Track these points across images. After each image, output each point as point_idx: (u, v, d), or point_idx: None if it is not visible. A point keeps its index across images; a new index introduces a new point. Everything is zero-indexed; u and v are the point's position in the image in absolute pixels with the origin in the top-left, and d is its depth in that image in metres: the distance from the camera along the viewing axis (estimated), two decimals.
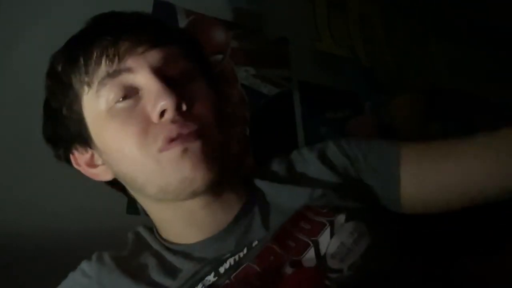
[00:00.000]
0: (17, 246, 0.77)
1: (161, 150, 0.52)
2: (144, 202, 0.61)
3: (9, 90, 0.87)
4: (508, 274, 0.66)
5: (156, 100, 0.51)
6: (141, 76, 0.53)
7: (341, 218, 0.54)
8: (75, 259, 0.62)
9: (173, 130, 0.51)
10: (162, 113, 0.52)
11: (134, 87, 0.53)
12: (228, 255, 0.54)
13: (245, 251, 0.54)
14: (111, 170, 0.58)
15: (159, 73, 0.53)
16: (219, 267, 0.53)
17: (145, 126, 0.52)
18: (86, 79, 0.54)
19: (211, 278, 0.52)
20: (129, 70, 0.53)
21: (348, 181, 0.62)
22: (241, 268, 0.51)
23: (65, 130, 0.59)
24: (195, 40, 0.64)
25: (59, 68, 0.57)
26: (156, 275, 0.55)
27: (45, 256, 0.76)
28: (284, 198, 0.59)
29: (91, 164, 0.60)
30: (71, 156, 0.61)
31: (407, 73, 1.49)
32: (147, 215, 0.64)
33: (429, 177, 0.60)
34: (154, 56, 0.54)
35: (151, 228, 0.63)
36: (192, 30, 1.14)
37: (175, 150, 0.51)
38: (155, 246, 0.59)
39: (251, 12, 1.24)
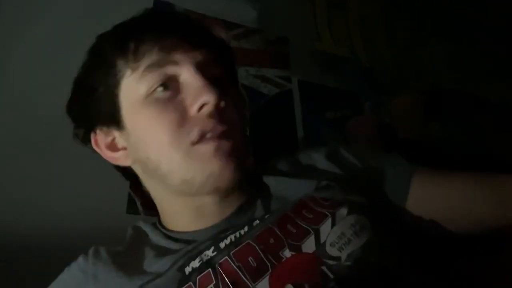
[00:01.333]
0: (17, 245, 0.77)
1: (194, 143, 0.54)
2: (157, 191, 0.62)
3: (9, 90, 0.87)
4: (508, 274, 0.65)
5: (199, 93, 0.54)
6: (187, 70, 0.56)
7: (343, 210, 0.54)
8: (75, 259, 0.62)
9: (209, 124, 0.54)
10: (200, 108, 0.54)
11: (177, 79, 0.56)
12: (229, 231, 0.55)
13: (246, 228, 0.55)
14: (132, 156, 0.60)
15: (202, 71, 0.56)
16: (219, 242, 0.54)
17: (182, 117, 0.54)
18: (133, 63, 0.56)
19: (209, 253, 0.53)
20: (175, 62, 0.56)
21: (354, 177, 0.63)
22: (241, 245, 0.52)
23: (96, 108, 0.60)
24: (230, 48, 0.68)
25: (106, 48, 0.59)
26: (153, 266, 0.55)
27: (45, 256, 0.76)
28: (289, 190, 0.60)
29: (112, 147, 0.61)
30: (92, 136, 0.62)
31: (407, 73, 1.49)
32: (147, 214, 0.64)
33: (434, 201, 0.62)
34: (199, 55, 0.57)
35: (153, 223, 0.64)
36: None
37: (209, 146, 0.54)
38: (155, 237, 0.60)
39: (251, 12, 1.24)
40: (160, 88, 0.55)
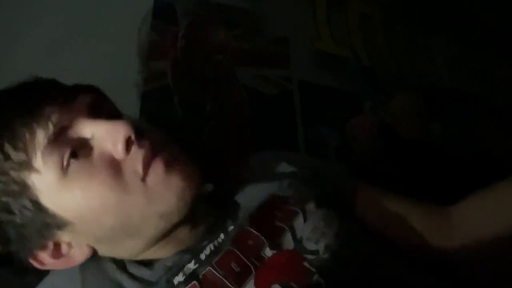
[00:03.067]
0: None
1: (143, 178, 0.48)
2: (128, 250, 0.54)
3: None
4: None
5: (114, 135, 0.47)
6: (82, 126, 0.48)
7: (311, 205, 0.56)
8: None
9: (146, 152, 0.48)
10: (126, 147, 0.48)
11: (83, 140, 0.48)
12: (206, 242, 0.54)
13: (222, 236, 0.54)
14: (88, 241, 0.52)
15: (92, 116, 0.49)
16: (199, 254, 0.52)
17: (114, 167, 0.48)
18: (24, 159, 0.47)
19: (191, 266, 0.51)
20: (66, 127, 0.48)
21: (314, 174, 0.65)
22: (222, 253, 0.51)
23: (23, 233, 0.49)
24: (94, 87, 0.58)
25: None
26: (143, 273, 0.53)
27: None
28: (254, 195, 0.59)
29: (58, 254, 0.52)
30: (32, 261, 0.51)
31: (407, 73, 1.49)
32: None
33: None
34: (81, 105, 0.49)
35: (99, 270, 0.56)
36: (192, 30, 1.14)
37: (157, 169, 0.48)
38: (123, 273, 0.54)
39: (251, 12, 1.25)
40: (72, 160, 0.47)
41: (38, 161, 0.46)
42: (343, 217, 0.57)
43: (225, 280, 0.49)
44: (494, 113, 1.33)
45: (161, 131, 0.54)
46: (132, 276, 0.53)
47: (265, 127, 1.13)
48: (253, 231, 0.53)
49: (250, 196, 0.60)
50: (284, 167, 0.65)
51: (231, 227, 0.55)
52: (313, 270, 0.49)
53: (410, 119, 1.19)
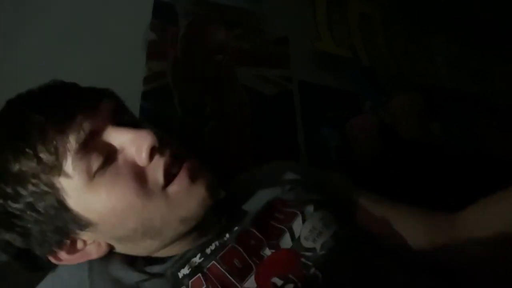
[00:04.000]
0: None
1: (164, 187, 0.51)
2: (147, 248, 0.56)
3: (10, 90, 0.87)
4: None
5: (139, 144, 0.50)
6: (109, 133, 0.50)
7: (310, 208, 0.59)
8: None
9: (167, 161, 0.51)
10: (150, 155, 0.50)
11: (110, 146, 0.50)
12: (212, 239, 0.57)
13: (227, 235, 0.57)
14: (108, 240, 0.54)
15: (117, 124, 0.51)
16: (205, 249, 0.55)
17: (138, 173, 0.50)
18: (55, 163, 0.48)
19: (197, 259, 0.54)
20: (96, 132, 0.50)
21: (313, 180, 0.68)
22: (226, 248, 0.55)
23: (44, 231, 0.51)
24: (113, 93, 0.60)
25: (15, 168, 0.48)
26: (152, 268, 0.55)
27: None
28: (258, 200, 0.63)
29: (74, 250, 0.54)
30: (50, 257, 0.54)
31: (407, 73, 1.49)
32: None
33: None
34: (105, 111, 0.51)
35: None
36: (192, 30, 1.14)
37: (182, 180, 0.51)
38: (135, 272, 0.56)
39: (251, 12, 1.25)
40: (100, 165, 0.49)
41: (68, 165, 0.48)
42: (341, 220, 0.59)
43: (227, 275, 0.52)
44: (494, 113, 1.33)
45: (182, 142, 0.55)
46: (137, 270, 0.55)
47: (265, 127, 1.13)
48: (255, 232, 0.57)
49: (255, 201, 0.63)
50: (289, 175, 0.69)
51: (236, 228, 0.58)
52: (310, 264, 0.53)
53: (410, 119, 1.19)
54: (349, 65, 1.39)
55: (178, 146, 0.54)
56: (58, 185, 0.49)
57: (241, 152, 1.07)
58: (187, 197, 0.51)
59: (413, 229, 0.65)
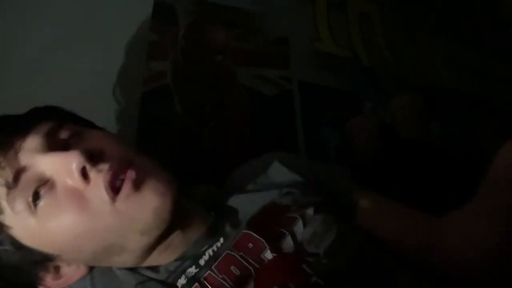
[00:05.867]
0: None
1: (113, 201, 0.48)
2: (123, 263, 0.56)
3: (10, 90, 0.87)
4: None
5: (67, 168, 0.48)
6: (39, 163, 0.49)
7: (310, 211, 0.57)
8: None
9: (107, 176, 0.48)
10: (84, 176, 0.48)
11: (41, 177, 0.49)
12: (206, 247, 0.55)
13: (221, 240, 0.55)
14: (80, 263, 0.54)
15: (47, 149, 0.50)
16: (199, 260, 0.54)
17: (79, 196, 0.48)
18: None
19: (192, 270, 0.53)
20: (23, 169, 0.48)
21: (314, 181, 0.67)
22: (221, 257, 0.53)
23: (20, 267, 0.52)
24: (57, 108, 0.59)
25: None
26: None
27: None
28: (254, 201, 0.61)
29: (59, 275, 0.54)
30: (39, 287, 0.55)
31: (407, 73, 1.49)
32: None
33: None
34: (36, 138, 0.50)
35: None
36: (192, 30, 1.14)
37: (126, 191, 0.48)
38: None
39: (251, 12, 1.25)
40: (37, 201, 0.48)
41: (6, 207, 0.48)
42: (342, 223, 0.58)
43: (225, 283, 0.50)
44: (494, 113, 1.33)
45: (126, 143, 0.54)
46: (137, 272, 0.55)
47: (265, 127, 1.13)
48: (254, 234, 0.54)
49: (250, 202, 0.61)
50: (285, 175, 0.67)
51: (230, 231, 0.56)
52: (311, 272, 0.50)
53: (410, 119, 1.19)
54: (349, 65, 1.38)
55: (121, 153, 0.51)
56: (6, 225, 0.49)
57: (241, 152, 1.07)
58: (138, 208, 0.49)
59: (413, 229, 0.65)
